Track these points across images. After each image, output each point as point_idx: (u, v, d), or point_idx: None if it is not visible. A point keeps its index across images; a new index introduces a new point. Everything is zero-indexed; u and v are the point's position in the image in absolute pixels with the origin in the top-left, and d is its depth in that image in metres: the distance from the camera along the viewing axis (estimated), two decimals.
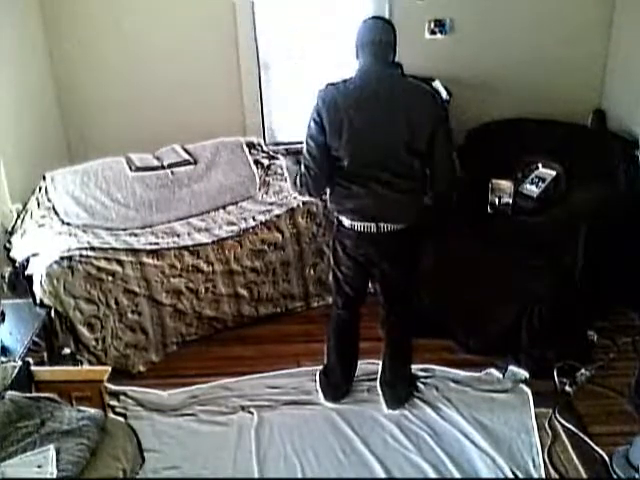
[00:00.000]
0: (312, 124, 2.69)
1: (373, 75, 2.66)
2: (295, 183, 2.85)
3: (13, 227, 3.79)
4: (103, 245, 3.44)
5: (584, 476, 2.69)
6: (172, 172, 4.04)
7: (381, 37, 2.67)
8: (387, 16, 4.33)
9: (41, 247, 3.44)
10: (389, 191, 2.71)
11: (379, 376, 3.18)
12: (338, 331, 3.14)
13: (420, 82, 2.79)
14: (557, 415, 2.99)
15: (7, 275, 3.53)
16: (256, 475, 2.76)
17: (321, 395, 3.16)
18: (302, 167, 2.77)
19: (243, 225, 3.70)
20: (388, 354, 3.14)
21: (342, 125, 2.63)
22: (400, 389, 3.15)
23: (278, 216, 3.74)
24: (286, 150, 4.37)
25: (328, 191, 2.86)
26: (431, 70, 4.43)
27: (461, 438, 2.89)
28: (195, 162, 4.13)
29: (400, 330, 3.11)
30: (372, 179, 2.71)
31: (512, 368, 3.24)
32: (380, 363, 3.18)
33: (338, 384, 3.17)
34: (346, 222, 2.83)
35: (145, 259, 3.41)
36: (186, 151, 4.21)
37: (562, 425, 2.94)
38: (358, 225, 2.80)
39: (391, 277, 2.96)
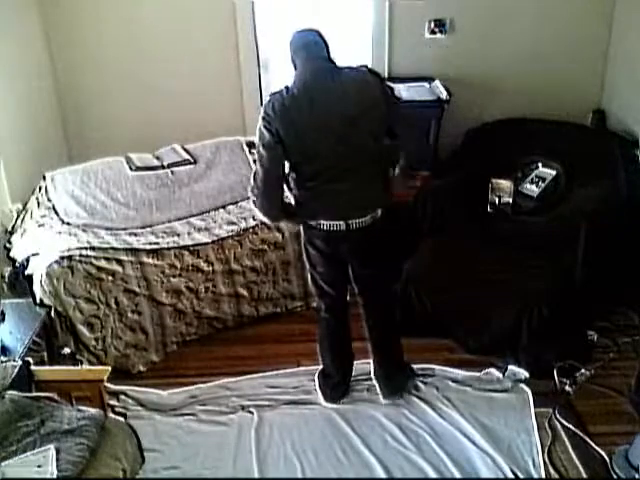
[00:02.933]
0: (265, 134, 2.62)
1: (315, 73, 2.65)
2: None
3: (13, 227, 3.79)
4: (103, 245, 3.44)
5: (584, 476, 2.69)
6: (172, 172, 4.04)
7: (312, 38, 2.72)
8: (387, 16, 4.35)
9: (41, 247, 3.44)
10: (359, 182, 2.71)
11: (372, 371, 3.18)
12: (328, 335, 3.14)
13: (356, 67, 2.78)
14: (557, 415, 2.99)
15: (7, 275, 3.53)
16: (256, 475, 2.75)
17: (320, 396, 3.16)
18: (254, 185, 2.75)
19: (243, 225, 3.70)
20: (375, 354, 3.15)
21: (299, 129, 2.61)
22: (395, 380, 3.16)
23: None
24: None
25: (292, 200, 2.84)
26: (431, 70, 4.43)
27: (461, 438, 2.89)
28: (195, 162, 4.13)
29: (381, 330, 3.12)
30: (339, 175, 2.69)
31: (512, 368, 3.24)
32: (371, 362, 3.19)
33: (336, 385, 3.17)
34: (315, 223, 2.82)
35: (145, 259, 3.41)
36: (186, 151, 4.21)
37: (562, 425, 2.94)
38: (327, 224, 2.78)
39: (364, 275, 2.98)
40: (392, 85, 2.90)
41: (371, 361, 3.17)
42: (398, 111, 2.74)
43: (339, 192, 2.72)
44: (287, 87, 2.65)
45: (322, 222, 2.79)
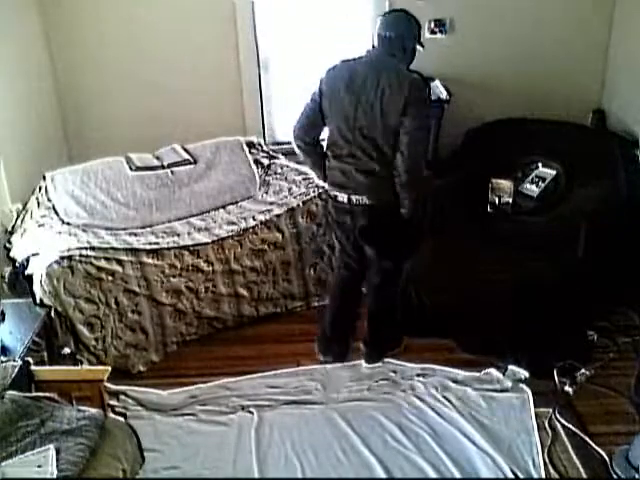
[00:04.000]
0: (316, 89, 3.01)
1: (369, 60, 2.94)
2: None
3: (13, 227, 3.79)
4: (103, 245, 3.44)
5: (584, 476, 2.69)
6: (172, 172, 4.04)
7: (387, 33, 2.92)
8: None
9: (41, 247, 3.44)
10: (367, 169, 2.95)
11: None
12: (338, 288, 3.40)
13: (412, 73, 2.94)
14: (557, 415, 2.99)
15: (7, 275, 3.53)
16: (256, 475, 2.75)
17: (320, 356, 3.34)
18: (295, 123, 3.13)
19: (243, 225, 3.70)
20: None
21: (332, 98, 2.95)
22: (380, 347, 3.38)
23: (278, 216, 3.74)
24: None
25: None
26: (431, 70, 4.43)
27: (461, 438, 2.88)
28: (195, 162, 4.14)
29: (369, 324, 3.33)
30: (347, 154, 2.99)
31: (512, 368, 3.23)
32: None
33: (328, 342, 3.35)
34: (330, 191, 3.15)
35: (145, 259, 3.41)
36: (186, 151, 4.21)
37: (562, 425, 2.93)
38: (336, 194, 3.09)
39: (370, 257, 3.17)
40: None
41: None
42: (412, 127, 2.83)
43: (348, 169, 3.00)
44: (351, 59, 2.97)
45: (333, 192, 3.10)
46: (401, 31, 2.92)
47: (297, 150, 3.14)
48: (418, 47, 2.99)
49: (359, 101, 2.87)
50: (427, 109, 2.95)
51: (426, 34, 4.43)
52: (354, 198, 3.01)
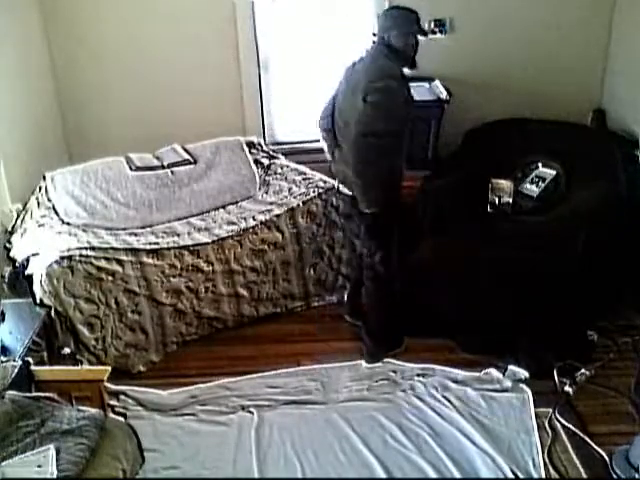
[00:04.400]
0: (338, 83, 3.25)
1: (362, 61, 3.11)
2: None
3: (13, 227, 3.79)
4: (103, 245, 3.44)
5: (584, 476, 2.69)
6: (172, 172, 4.04)
7: (379, 31, 3.05)
8: None
9: (41, 247, 3.44)
10: (341, 159, 3.19)
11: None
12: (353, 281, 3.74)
13: (389, 70, 2.99)
14: (557, 415, 2.99)
15: (7, 275, 3.53)
16: (256, 475, 2.75)
17: (347, 317, 3.68)
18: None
19: (243, 225, 3.70)
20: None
21: (338, 94, 3.20)
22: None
23: (278, 216, 3.74)
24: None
25: None
26: (431, 70, 4.43)
27: (461, 438, 2.88)
28: (195, 162, 4.13)
29: (367, 297, 3.45)
30: (339, 144, 3.23)
31: (512, 368, 3.23)
32: None
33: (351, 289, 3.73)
34: None
35: (145, 259, 3.41)
36: (186, 151, 4.21)
37: (562, 425, 2.93)
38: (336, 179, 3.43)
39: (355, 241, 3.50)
40: None
41: None
42: (364, 118, 2.94)
43: (337, 158, 3.26)
44: (362, 57, 3.13)
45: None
46: (391, 28, 2.99)
47: (319, 135, 3.40)
48: (420, 37, 3.04)
49: (346, 95, 3.10)
50: (381, 109, 2.93)
51: None
52: (341, 187, 3.31)
